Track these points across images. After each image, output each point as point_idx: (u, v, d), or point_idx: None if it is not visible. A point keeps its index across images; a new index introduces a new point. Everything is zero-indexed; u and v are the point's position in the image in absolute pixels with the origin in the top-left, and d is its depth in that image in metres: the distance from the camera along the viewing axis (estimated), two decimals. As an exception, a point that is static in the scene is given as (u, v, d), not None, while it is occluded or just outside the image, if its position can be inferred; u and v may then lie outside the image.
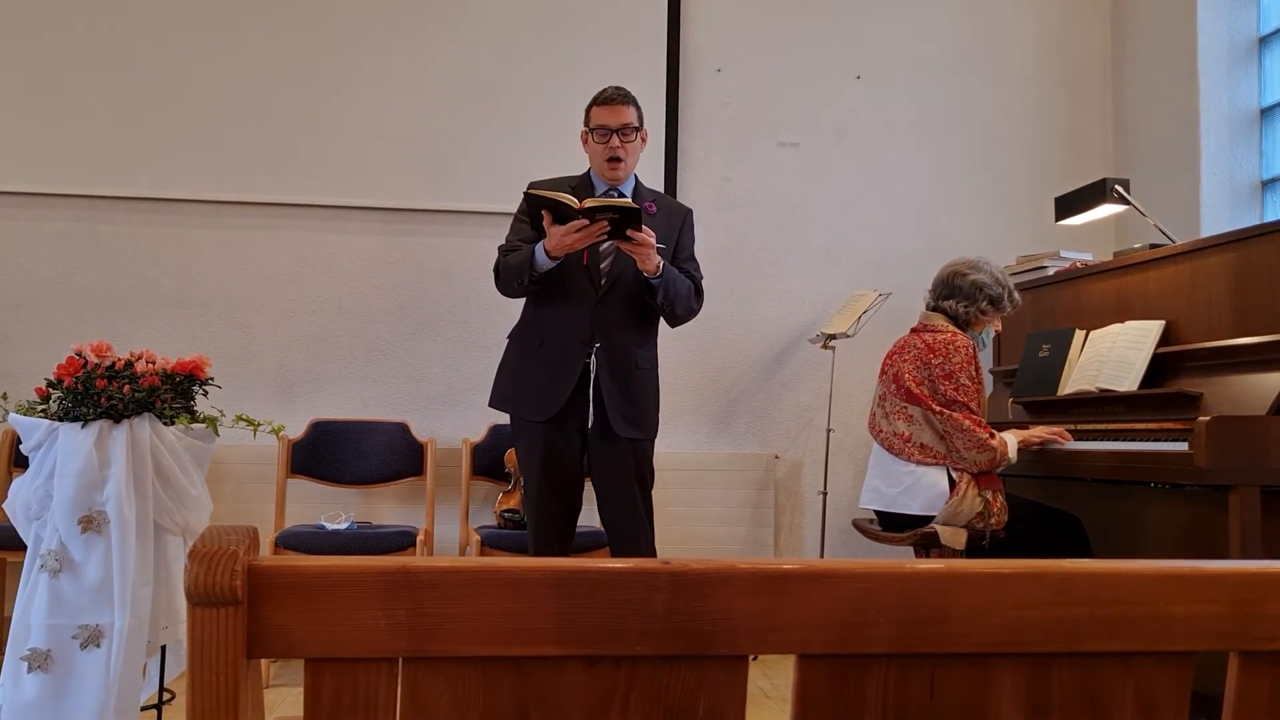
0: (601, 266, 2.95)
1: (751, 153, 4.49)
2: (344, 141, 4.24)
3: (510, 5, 4.35)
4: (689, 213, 3.16)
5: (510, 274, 2.93)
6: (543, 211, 2.76)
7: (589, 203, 2.72)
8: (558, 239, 2.75)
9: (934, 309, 3.27)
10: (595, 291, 2.94)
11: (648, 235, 2.78)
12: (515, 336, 3.07)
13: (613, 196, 2.96)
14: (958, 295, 3.22)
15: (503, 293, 3.04)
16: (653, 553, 3.04)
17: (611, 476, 2.95)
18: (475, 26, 4.33)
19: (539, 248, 2.83)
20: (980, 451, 3.02)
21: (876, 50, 4.57)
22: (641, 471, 2.99)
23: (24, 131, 4.10)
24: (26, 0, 4.12)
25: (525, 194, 2.82)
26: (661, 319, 3.06)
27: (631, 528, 2.95)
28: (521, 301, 3.09)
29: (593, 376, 2.90)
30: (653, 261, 2.84)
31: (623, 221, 2.72)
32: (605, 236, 2.76)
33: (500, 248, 3.03)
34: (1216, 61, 4.12)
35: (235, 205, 4.19)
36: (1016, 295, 3.29)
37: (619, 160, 2.97)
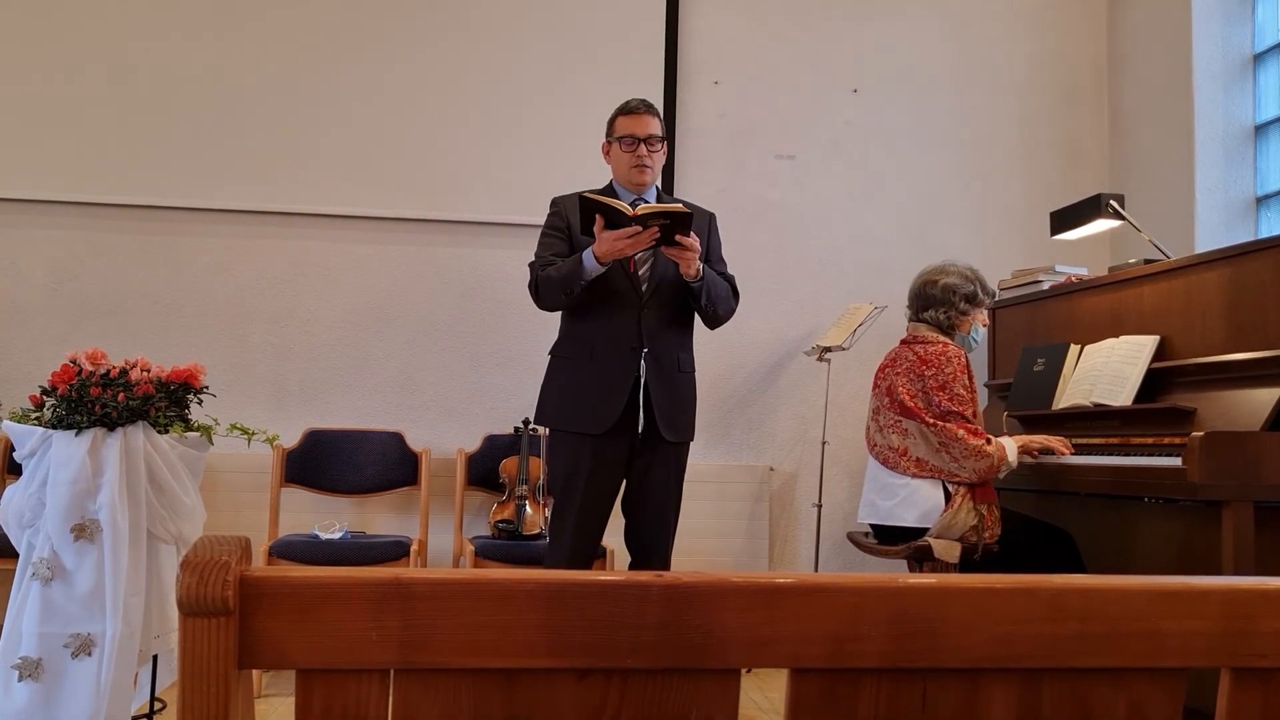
0: (641, 273, 2.97)
1: (748, 165, 4.50)
2: (341, 151, 4.24)
3: (506, 17, 4.36)
4: (713, 216, 3.20)
5: (555, 285, 2.90)
6: (595, 216, 2.77)
7: (642, 209, 2.75)
8: (609, 244, 2.76)
9: (918, 321, 3.28)
10: (639, 297, 2.94)
11: (694, 240, 2.80)
12: (560, 351, 3.05)
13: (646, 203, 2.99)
14: (934, 304, 3.23)
15: (544, 306, 3.02)
16: (669, 561, 3.07)
17: (654, 482, 2.96)
18: (472, 38, 4.33)
19: (587, 254, 2.83)
20: (978, 459, 3.01)
21: (873, 63, 4.59)
22: (680, 476, 3.02)
23: (20, 138, 4.10)
24: (22, 7, 4.13)
25: (579, 197, 2.82)
26: (700, 322, 3.09)
27: (664, 534, 2.98)
28: (557, 318, 3.09)
29: (643, 383, 2.90)
30: (695, 267, 2.87)
31: (672, 227, 2.75)
32: (655, 243, 2.78)
33: (532, 264, 3.02)
34: (1211, 78, 4.14)
35: (231, 213, 4.19)
36: (989, 285, 3.32)
37: (646, 168, 3.00)
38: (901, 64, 4.60)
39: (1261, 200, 4.09)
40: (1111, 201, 3.64)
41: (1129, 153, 4.53)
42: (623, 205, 2.75)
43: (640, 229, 2.73)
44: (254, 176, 4.20)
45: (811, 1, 4.56)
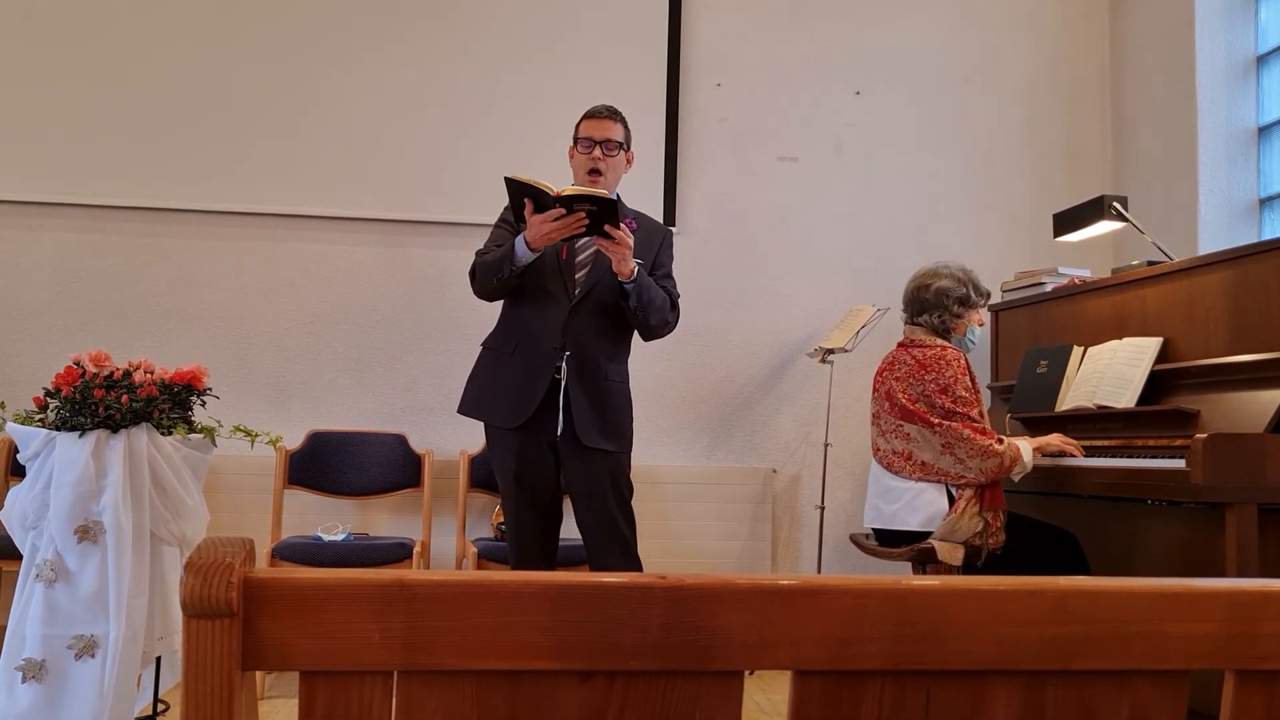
0: (577, 277, 2.97)
1: (750, 167, 4.50)
2: (343, 153, 4.25)
3: (510, 19, 4.36)
4: (669, 232, 3.20)
5: (488, 269, 2.92)
6: (525, 200, 2.77)
7: (565, 190, 2.74)
8: (536, 227, 2.77)
9: (913, 324, 3.27)
10: (569, 299, 2.95)
11: (624, 234, 2.79)
12: (489, 342, 3.08)
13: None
14: (928, 308, 3.22)
15: (479, 292, 3.03)
16: (635, 566, 3.01)
17: (587, 490, 2.93)
18: (475, 40, 4.34)
19: (519, 239, 2.84)
20: (986, 458, 2.99)
21: (876, 65, 4.59)
22: (618, 485, 2.96)
23: (22, 140, 4.11)
24: (24, 9, 4.14)
25: (505, 179, 2.82)
26: (636, 334, 3.06)
27: (609, 543, 2.93)
28: (499, 311, 3.09)
29: (562, 385, 2.90)
30: (628, 265, 2.85)
31: (600, 215, 2.73)
32: (584, 230, 2.76)
33: (478, 251, 3.04)
34: (1214, 79, 4.13)
35: (234, 215, 4.20)
36: (982, 285, 3.29)
37: (598, 173, 3.00)
38: (904, 66, 4.60)
39: (1265, 202, 4.09)
40: (1114, 203, 3.64)
41: (1132, 154, 4.53)
42: (547, 185, 2.74)
43: (565, 211, 2.72)
44: (258, 179, 4.20)
45: (814, 3, 4.57)
